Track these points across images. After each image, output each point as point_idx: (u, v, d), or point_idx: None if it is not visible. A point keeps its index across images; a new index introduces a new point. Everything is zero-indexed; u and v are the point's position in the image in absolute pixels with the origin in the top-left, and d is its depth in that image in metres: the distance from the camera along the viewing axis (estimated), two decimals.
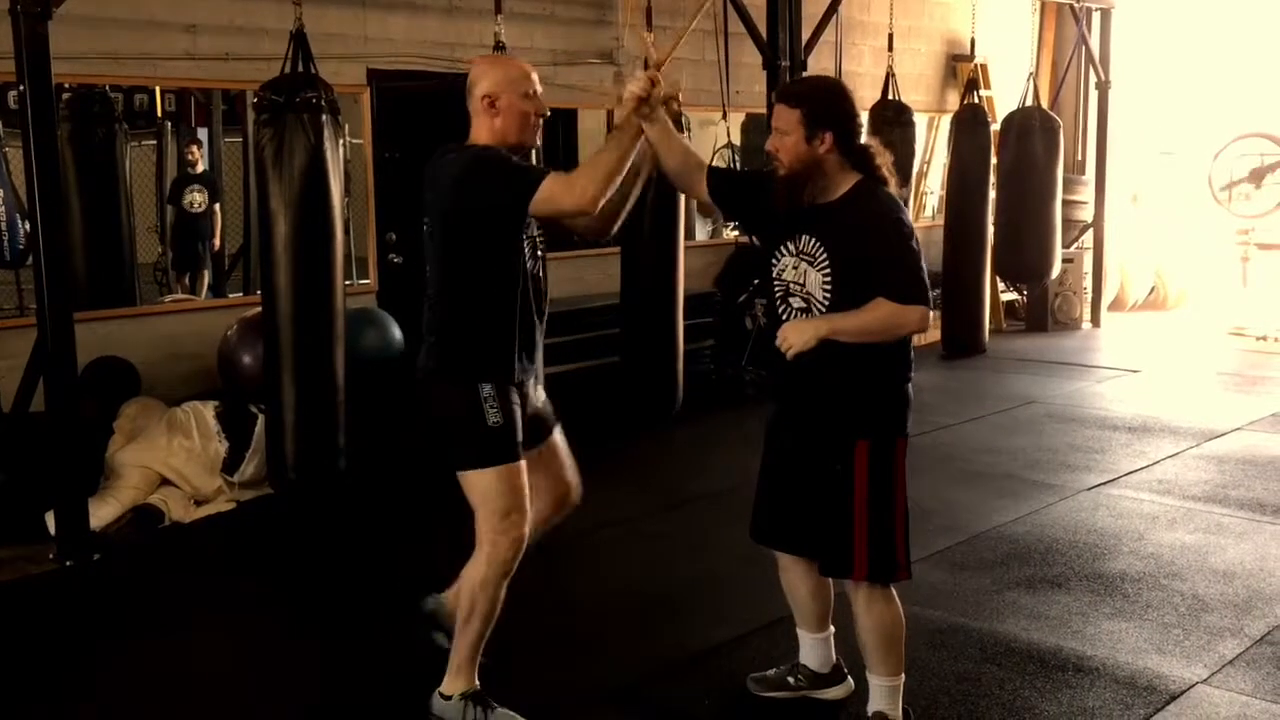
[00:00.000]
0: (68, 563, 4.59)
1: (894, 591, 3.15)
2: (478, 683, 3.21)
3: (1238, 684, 3.51)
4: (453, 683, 3.21)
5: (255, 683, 3.70)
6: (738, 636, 3.81)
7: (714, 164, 3.66)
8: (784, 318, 3.09)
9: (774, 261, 3.11)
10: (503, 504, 3.08)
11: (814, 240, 3.02)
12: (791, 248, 3.06)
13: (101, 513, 4.94)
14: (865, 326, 2.98)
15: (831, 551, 3.13)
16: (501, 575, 3.12)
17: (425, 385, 3.17)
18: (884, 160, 3.06)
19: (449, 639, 3.31)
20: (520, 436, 3.14)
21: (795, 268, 3.06)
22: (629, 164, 3.05)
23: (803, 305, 3.05)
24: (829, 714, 3.34)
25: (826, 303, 3.01)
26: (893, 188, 3.05)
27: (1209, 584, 4.30)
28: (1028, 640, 3.81)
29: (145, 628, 4.11)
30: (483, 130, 3.15)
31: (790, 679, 3.41)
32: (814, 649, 3.38)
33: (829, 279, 3.00)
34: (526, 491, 3.13)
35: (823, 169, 2.99)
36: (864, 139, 3.10)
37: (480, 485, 3.09)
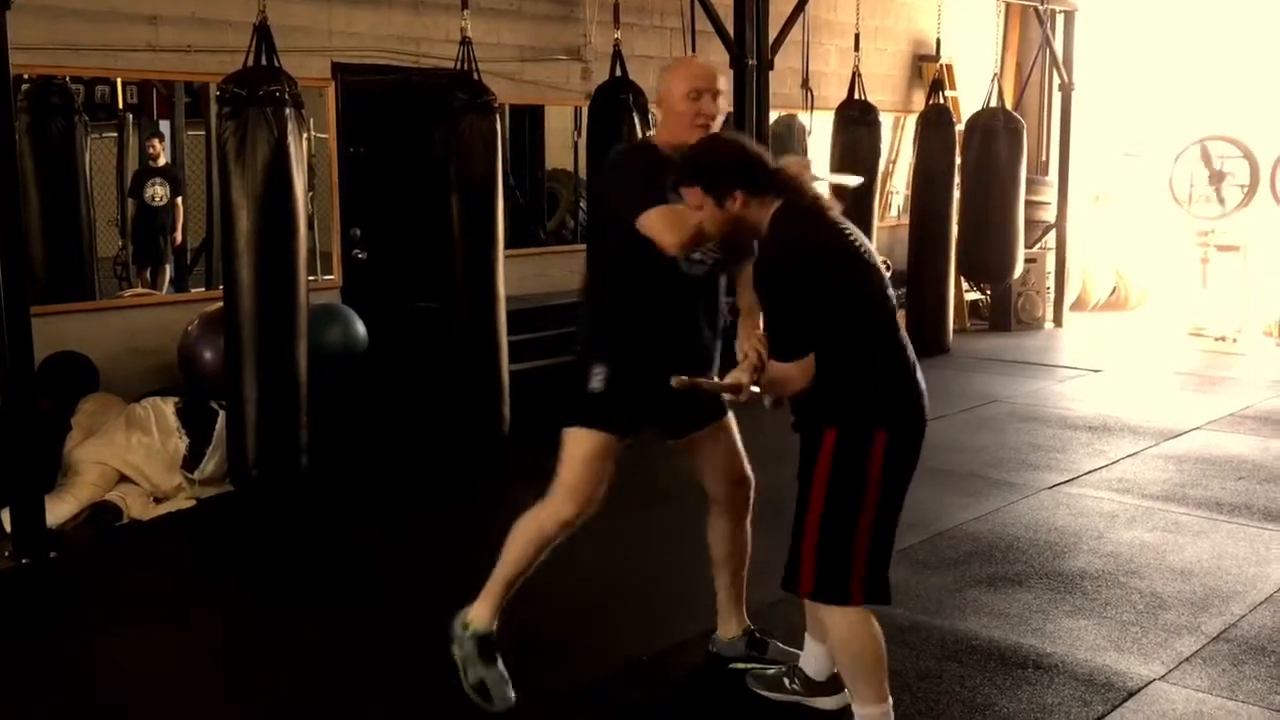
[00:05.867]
0: (24, 561, 4.53)
1: (866, 612, 2.90)
2: (494, 627, 3.26)
3: (1194, 681, 3.55)
4: (474, 611, 3.27)
5: (215, 681, 3.66)
6: (706, 632, 3.80)
7: None
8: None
9: None
10: (574, 470, 3.19)
11: (758, 279, 2.93)
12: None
13: (59, 510, 4.88)
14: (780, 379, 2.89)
15: (789, 558, 2.92)
16: (541, 532, 3.21)
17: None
18: (802, 173, 2.94)
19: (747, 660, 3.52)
20: (625, 416, 3.20)
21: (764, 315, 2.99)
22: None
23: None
24: None
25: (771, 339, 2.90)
26: (826, 194, 2.94)
27: (1167, 582, 4.35)
28: (988, 638, 3.84)
29: (103, 626, 4.06)
30: (663, 127, 3.33)
31: (786, 681, 3.38)
32: (814, 656, 3.32)
33: (766, 315, 2.93)
34: (603, 472, 3.20)
35: (748, 221, 2.89)
36: (775, 162, 2.94)
37: (566, 441, 3.21)
